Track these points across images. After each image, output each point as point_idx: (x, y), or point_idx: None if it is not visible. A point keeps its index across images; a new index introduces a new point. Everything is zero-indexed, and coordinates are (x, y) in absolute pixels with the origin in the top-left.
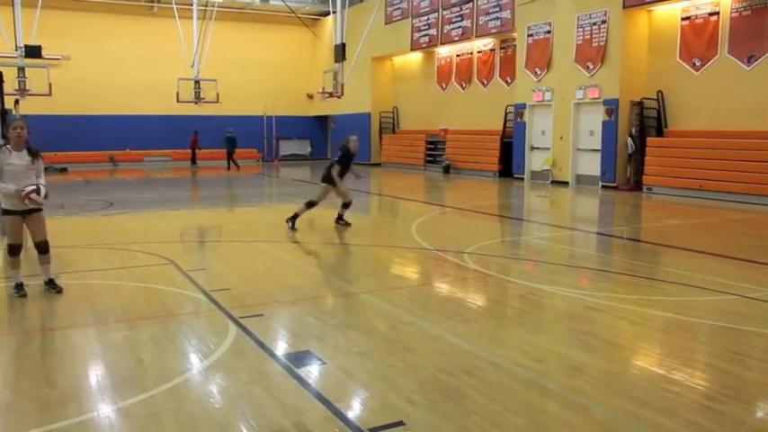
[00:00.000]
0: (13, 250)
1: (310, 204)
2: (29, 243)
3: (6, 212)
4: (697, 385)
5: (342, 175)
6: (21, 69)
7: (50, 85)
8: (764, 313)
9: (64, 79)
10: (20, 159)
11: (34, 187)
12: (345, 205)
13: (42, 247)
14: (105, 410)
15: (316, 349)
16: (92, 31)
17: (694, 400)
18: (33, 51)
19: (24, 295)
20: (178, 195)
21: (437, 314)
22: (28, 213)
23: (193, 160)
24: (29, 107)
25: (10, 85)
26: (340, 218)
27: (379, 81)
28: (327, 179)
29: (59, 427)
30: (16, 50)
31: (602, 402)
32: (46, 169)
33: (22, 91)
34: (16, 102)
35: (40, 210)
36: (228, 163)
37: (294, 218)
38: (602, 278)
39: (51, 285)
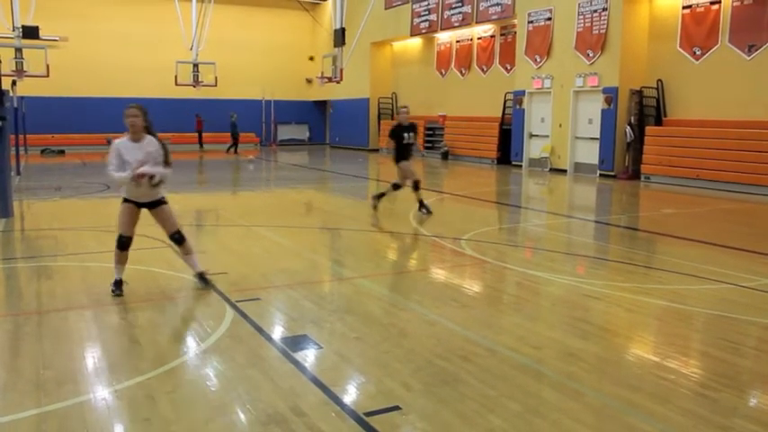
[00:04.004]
0: (122, 243)
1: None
2: (21, 226)
3: (124, 200)
4: (691, 373)
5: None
6: (18, 50)
7: (48, 66)
8: (759, 302)
9: (62, 61)
10: (138, 151)
11: (146, 169)
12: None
13: (176, 238)
14: (102, 392)
15: (312, 333)
16: (90, 12)
17: (688, 388)
18: (31, 32)
19: (120, 295)
20: (175, 179)
21: (434, 300)
22: (150, 206)
23: (200, 143)
24: (26, 89)
25: (7, 65)
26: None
27: (379, 66)
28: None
29: (56, 409)
30: (13, 31)
31: (597, 389)
32: (43, 151)
33: (20, 72)
34: (13, 83)
35: (163, 202)
36: (234, 147)
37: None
38: (599, 266)
39: (202, 280)
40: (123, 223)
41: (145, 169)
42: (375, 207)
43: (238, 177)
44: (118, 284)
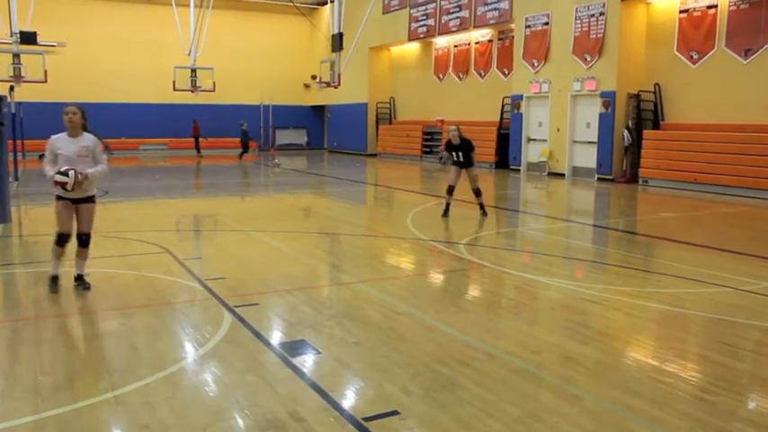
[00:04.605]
0: (62, 240)
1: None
2: (19, 231)
3: (58, 198)
4: (690, 376)
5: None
6: (16, 56)
7: (46, 71)
8: (757, 305)
9: (60, 66)
10: (73, 145)
11: (63, 173)
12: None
13: (84, 240)
14: (100, 398)
15: (311, 339)
16: (88, 17)
17: (687, 391)
18: (28, 37)
19: (56, 291)
20: (174, 184)
21: (432, 304)
22: (78, 202)
23: (198, 149)
24: (24, 94)
25: (5, 71)
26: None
27: (377, 71)
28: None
29: (54, 415)
30: (11, 36)
31: (596, 393)
32: (41, 156)
33: (18, 78)
34: (11, 88)
35: (91, 200)
36: (243, 153)
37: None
38: (598, 270)
39: (80, 281)
40: (62, 221)
41: (82, 174)
42: (445, 214)
43: (237, 183)
44: (54, 281)
